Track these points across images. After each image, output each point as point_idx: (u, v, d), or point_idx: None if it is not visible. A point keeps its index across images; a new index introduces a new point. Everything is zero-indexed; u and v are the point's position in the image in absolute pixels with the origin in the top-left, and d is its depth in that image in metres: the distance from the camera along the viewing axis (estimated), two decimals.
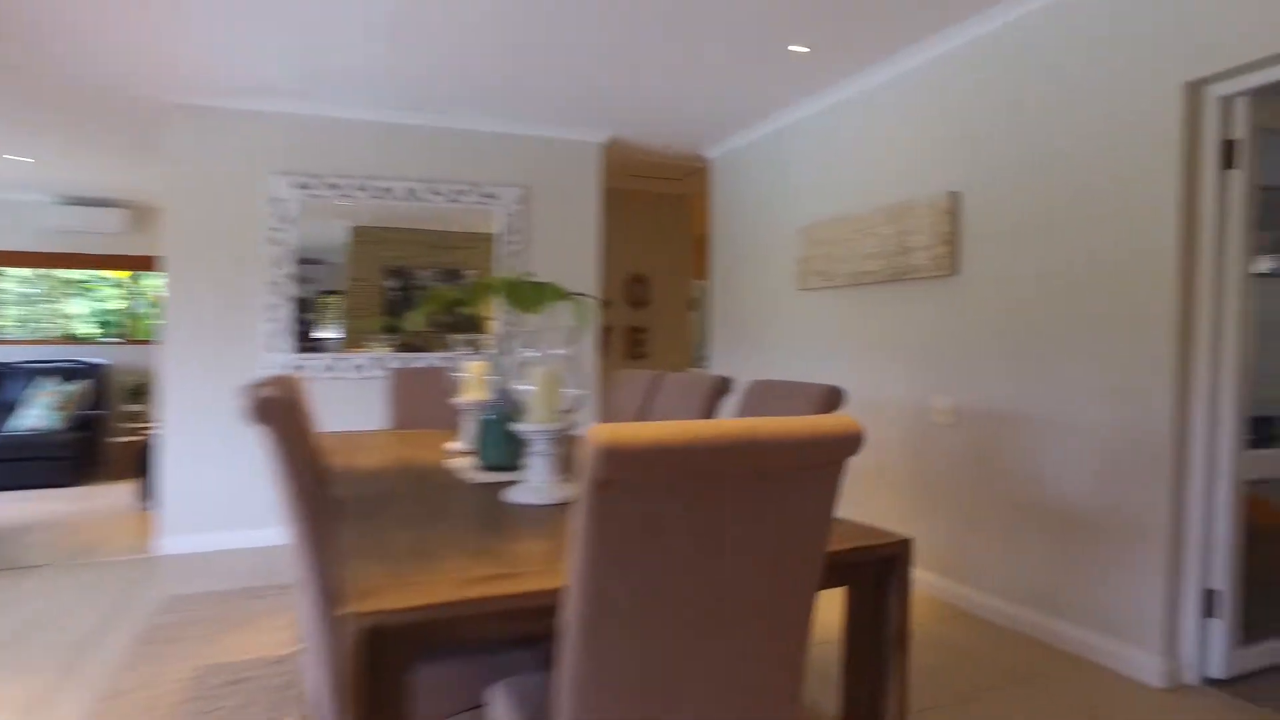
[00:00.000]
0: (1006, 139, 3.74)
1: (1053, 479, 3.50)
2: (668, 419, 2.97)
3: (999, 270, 3.76)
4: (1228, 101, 3.04)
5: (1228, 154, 3.03)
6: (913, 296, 4.28)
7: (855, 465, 4.70)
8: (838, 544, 1.64)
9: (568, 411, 2.10)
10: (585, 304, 2.46)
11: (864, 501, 4.64)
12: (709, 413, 2.77)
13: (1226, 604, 3.07)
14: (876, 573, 1.70)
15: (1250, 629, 3.18)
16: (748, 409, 2.55)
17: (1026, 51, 3.64)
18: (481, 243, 5.68)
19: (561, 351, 2.20)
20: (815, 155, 5.12)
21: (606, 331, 7.85)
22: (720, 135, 6.00)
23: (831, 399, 2.24)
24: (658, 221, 8.08)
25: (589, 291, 6.02)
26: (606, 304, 7.77)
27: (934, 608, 3.98)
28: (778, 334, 5.50)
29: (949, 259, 3.99)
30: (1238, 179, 3.03)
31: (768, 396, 2.41)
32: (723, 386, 2.83)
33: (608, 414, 3.68)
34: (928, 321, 4.19)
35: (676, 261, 8.15)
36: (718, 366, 6.26)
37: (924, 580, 4.19)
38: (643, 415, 3.18)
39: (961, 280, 3.97)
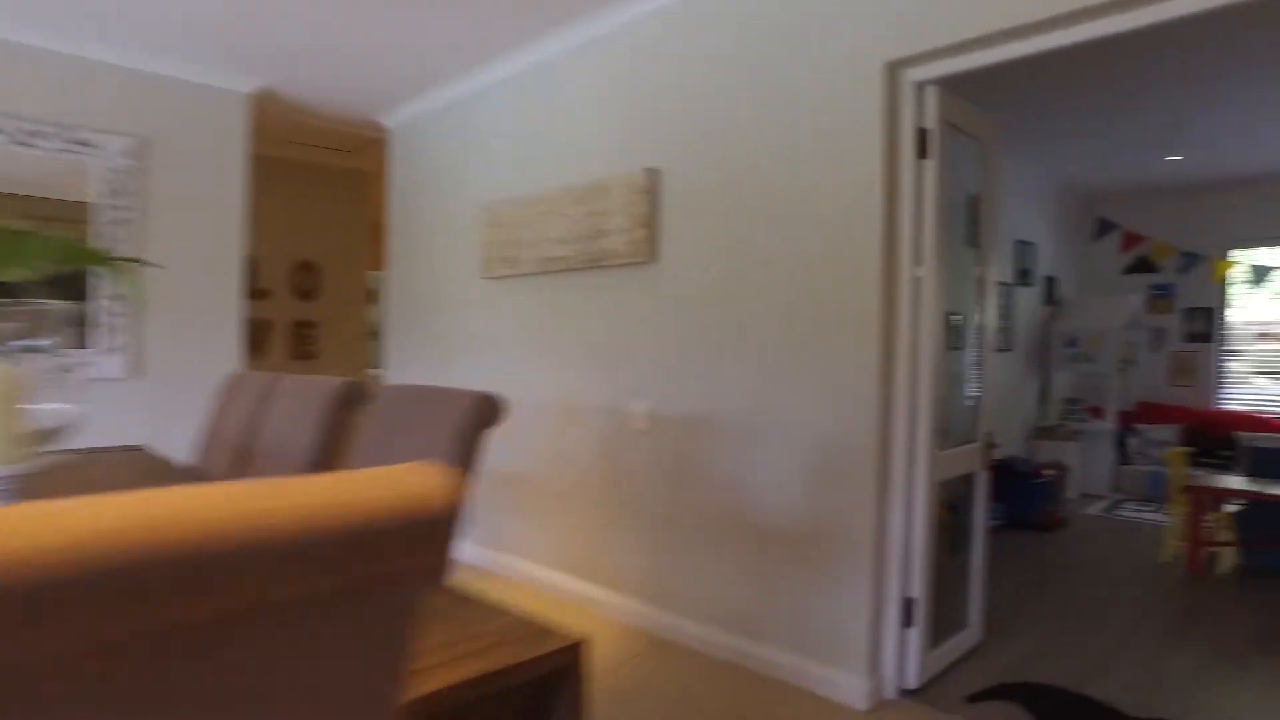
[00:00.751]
0: (709, 113, 3.38)
1: (756, 490, 3.19)
2: (280, 442, 2.16)
3: (701, 258, 3.40)
4: (921, 89, 2.90)
5: (921, 143, 2.89)
6: (608, 286, 3.82)
7: (549, 484, 4.15)
8: (450, 673, 0.99)
9: (40, 440, 1.23)
10: (131, 272, 1.56)
11: (557, 525, 4.11)
12: (333, 432, 2.01)
13: (922, 611, 2.93)
14: (532, 697, 1.08)
15: (936, 631, 3.09)
16: (378, 428, 1.84)
17: (727, 17, 3.31)
18: (72, 211, 4.29)
19: (43, 344, 1.32)
20: (505, 126, 4.49)
21: (264, 327, 6.60)
22: (399, 99, 5.16)
23: (484, 412, 1.60)
24: (331, 201, 6.97)
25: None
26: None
27: (629, 639, 3.53)
28: (462, 331, 4.79)
29: (647, 244, 3.57)
30: (930, 170, 2.89)
31: (405, 410, 1.73)
32: (352, 395, 2.08)
33: (213, 434, 2.74)
34: (625, 315, 3.74)
35: (353, 247, 7.10)
36: (394, 369, 5.41)
37: (621, 608, 3.74)
38: (249, 437, 2.32)
39: (661, 268, 3.57)
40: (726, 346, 3.29)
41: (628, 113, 3.72)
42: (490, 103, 4.59)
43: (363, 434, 1.93)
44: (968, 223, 4.92)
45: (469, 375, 4.72)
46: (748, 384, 3.21)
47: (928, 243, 2.89)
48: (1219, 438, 7.36)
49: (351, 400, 1.98)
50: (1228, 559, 4.84)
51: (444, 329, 4.95)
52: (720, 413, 3.31)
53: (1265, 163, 7.04)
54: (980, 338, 3.57)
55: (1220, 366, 7.83)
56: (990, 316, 3.64)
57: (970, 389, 3.73)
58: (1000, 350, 6.71)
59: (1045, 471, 6.13)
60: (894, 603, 2.90)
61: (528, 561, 4.29)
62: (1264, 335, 7.62)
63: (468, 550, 4.68)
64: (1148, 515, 6.48)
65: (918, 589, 2.91)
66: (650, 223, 3.57)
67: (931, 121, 2.89)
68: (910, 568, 2.91)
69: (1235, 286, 7.75)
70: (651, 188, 3.57)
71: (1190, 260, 7.83)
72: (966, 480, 3.43)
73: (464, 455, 1.60)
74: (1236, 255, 7.67)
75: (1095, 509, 6.71)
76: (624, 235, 3.65)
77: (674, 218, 3.51)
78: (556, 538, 4.11)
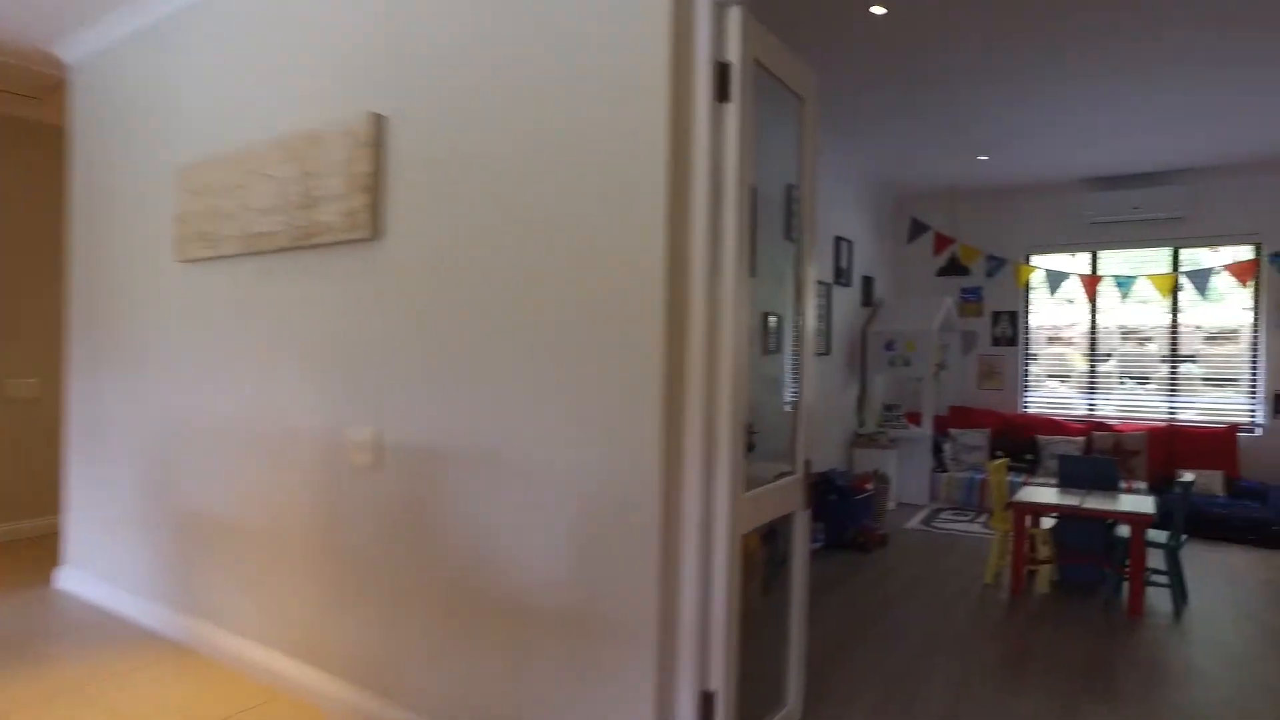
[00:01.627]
0: (452, 43, 2.50)
1: (508, 550, 2.35)
2: None
3: (439, 235, 2.51)
4: (721, 10, 2.17)
5: (721, 82, 2.16)
6: (323, 271, 2.85)
7: (258, 532, 3.11)
8: None
9: None
10: None
11: (270, 588, 3.08)
12: None
13: (724, 705, 2.20)
14: None
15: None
16: None
17: None
18: None
19: None
20: (204, 61, 3.40)
21: None
22: (76, 22, 3.91)
23: None
24: (14, 160, 5.47)
25: None
26: None
27: None
28: (155, 329, 3.64)
29: (369, 215, 2.64)
30: (732, 117, 2.17)
31: None
32: None
33: None
34: (342, 311, 2.79)
35: (44, 221, 5.62)
36: (80, 375, 4.13)
37: (348, 702, 2.78)
38: None
39: (387, 248, 2.65)
40: (471, 354, 2.43)
41: (349, 40, 2.77)
42: (186, 30, 3.48)
43: None
44: (785, 211, 4.37)
45: (163, 387, 3.57)
46: (497, 405, 2.36)
47: (730, 213, 2.15)
48: (1024, 441, 7.34)
49: None
50: (1046, 576, 4.53)
51: (134, 327, 3.77)
52: (462, 444, 2.44)
53: (1061, 169, 7.07)
54: (799, 343, 2.92)
55: (1025, 370, 7.87)
56: (810, 318, 2.99)
57: (788, 403, 3.08)
58: (819, 354, 6.27)
59: (866, 485, 5.71)
60: (688, 699, 2.14)
61: (232, 634, 3.23)
62: (1054, 339, 7.71)
63: (154, 614, 3.54)
64: (965, 526, 6.25)
65: (718, 679, 2.17)
66: (374, 187, 2.64)
67: (735, 55, 2.16)
68: (708, 653, 2.16)
69: (1035, 291, 7.81)
70: (376, 140, 2.64)
71: (997, 264, 7.81)
72: (784, 522, 2.76)
73: None
74: (1036, 260, 7.72)
75: (915, 521, 6.41)
76: (341, 203, 2.70)
77: (405, 181, 2.60)
78: (269, 605, 3.09)
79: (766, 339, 5.13)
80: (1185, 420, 7.16)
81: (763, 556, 4.18)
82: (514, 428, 2.32)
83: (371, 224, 2.64)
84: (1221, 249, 7.05)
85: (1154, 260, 7.32)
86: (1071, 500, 4.35)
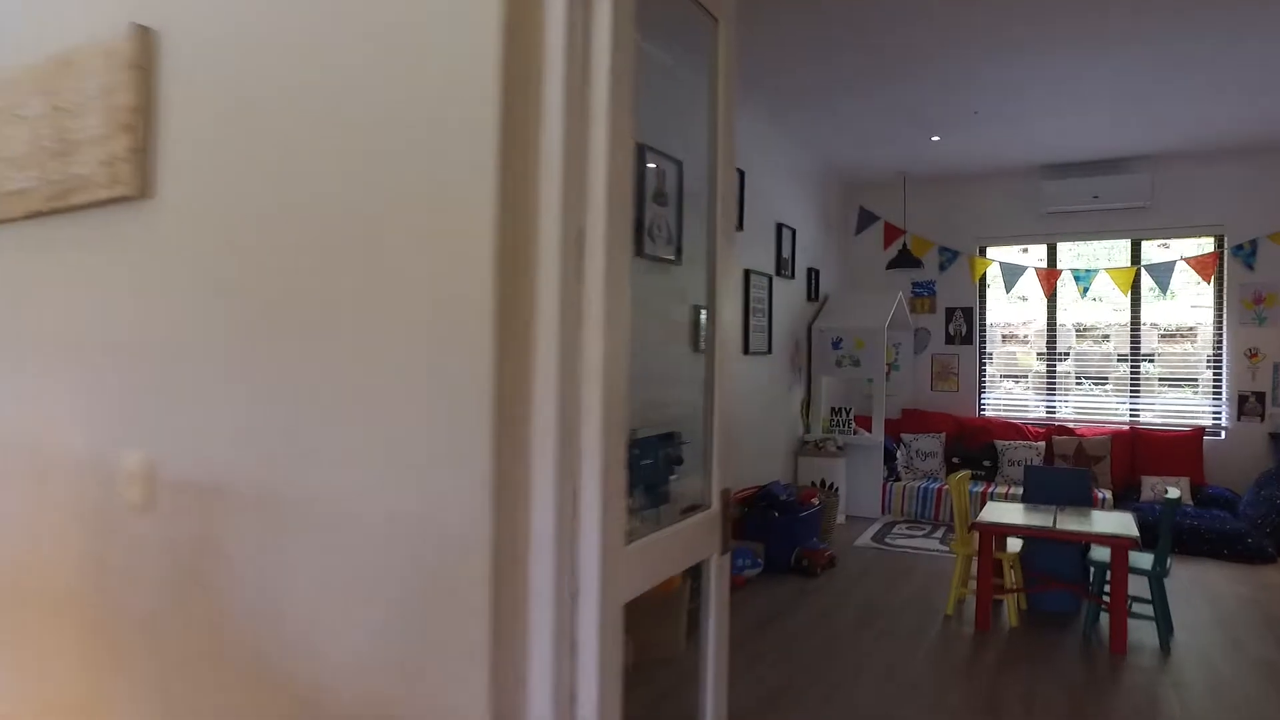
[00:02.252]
0: None
1: (298, 624, 1.67)
2: None
3: (227, 194, 1.82)
4: None
5: None
6: (82, 243, 2.13)
7: (16, 587, 2.37)
8: None
9: None
10: None
11: (30, 661, 2.34)
12: None
13: None
14: None
15: None
16: None
17: None
18: None
19: None
20: None
21: None
22: None
23: None
24: None
25: None
26: None
27: None
28: None
29: (134, 165, 1.93)
30: (604, 15, 1.51)
31: None
32: None
33: None
34: (106, 297, 2.07)
35: None
36: None
37: None
38: None
39: (160, 211, 1.94)
40: (261, 359, 1.74)
41: None
42: None
43: None
44: (710, 186, 3.77)
45: None
46: (288, 428, 1.68)
47: (598, 159, 1.49)
48: (981, 447, 6.86)
49: None
50: (1014, 606, 3.99)
51: None
52: (249, 477, 1.75)
53: (1017, 155, 6.60)
54: (712, 340, 2.27)
55: (981, 370, 7.40)
56: (729, 309, 2.34)
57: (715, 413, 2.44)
58: (758, 353, 5.69)
59: (812, 499, 5.13)
60: None
61: None
62: (1009, 338, 7.26)
63: None
64: (921, 543, 5.72)
65: None
66: (140, 126, 1.93)
67: None
68: None
69: (990, 287, 7.34)
70: (143, 62, 1.93)
71: (950, 257, 7.33)
72: (693, 573, 2.11)
73: None
74: (992, 253, 7.26)
75: (866, 537, 5.86)
76: (99, 149, 1.98)
77: (183, 123, 1.90)
78: (22, 680, 2.34)
79: (698, 336, 4.50)
80: (1148, 423, 6.75)
81: (688, 594, 3.55)
82: (309, 458, 1.64)
83: (137, 176, 1.93)
84: (1183, 241, 6.65)
85: (1114, 251, 6.90)
86: (1041, 520, 3.81)
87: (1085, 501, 4.26)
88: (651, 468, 2.83)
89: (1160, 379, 6.79)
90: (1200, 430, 6.40)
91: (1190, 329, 6.71)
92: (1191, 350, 6.69)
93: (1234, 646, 3.76)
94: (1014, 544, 4.14)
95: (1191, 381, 6.70)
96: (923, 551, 5.48)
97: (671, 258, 4.46)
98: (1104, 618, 3.92)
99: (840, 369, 6.54)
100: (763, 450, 5.80)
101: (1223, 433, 6.50)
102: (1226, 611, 4.28)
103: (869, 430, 6.62)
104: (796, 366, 6.48)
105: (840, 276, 7.61)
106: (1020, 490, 6.25)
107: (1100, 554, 3.93)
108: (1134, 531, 3.60)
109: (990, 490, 6.19)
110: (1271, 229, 6.26)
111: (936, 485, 6.48)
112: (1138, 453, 6.41)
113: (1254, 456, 6.34)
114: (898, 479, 6.70)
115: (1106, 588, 3.90)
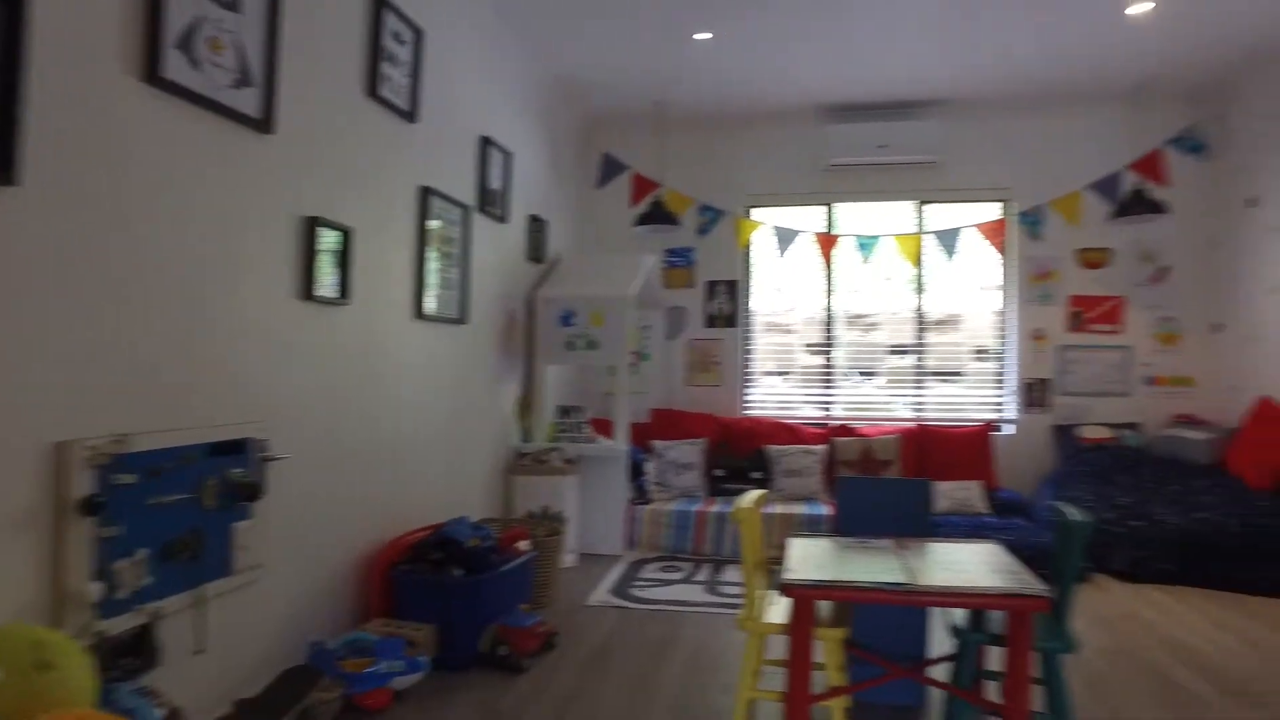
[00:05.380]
0: None
1: None
2: None
3: None
4: None
5: None
6: None
7: None
8: None
9: None
10: None
11: None
12: None
13: None
14: None
15: None
16: None
17: None
18: None
19: None
20: None
21: None
22: None
23: None
24: None
25: None
26: None
27: None
28: None
29: None
30: None
31: None
32: None
33: None
34: None
35: None
36: None
37: None
38: None
39: None
40: None
41: None
42: None
43: None
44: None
45: None
46: None
47: None
48: (749, 454, 5.41)
49: None
50: (840, 709, 2.36)
51: None
52: None
53: (796, 90, 5.28)
54: None
55: (746, 360, 6.00)
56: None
57: None
58: (443, 320, 3.74)
59: (517, 546, 3.26)
60: None
61: None
62: (772, 326, 5.96)
63: None
64: (681, 591, 4.05)
65: None
66: None
67: None
68: None
69: (760, 255, 5.99)
70: None
71: (713, 217, 5.87)
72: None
73: None
74: (761, 214, 5.90)
75: (604, 589, 4.08)
76: None
77: None
78: None
79: (312, 268, 2.61)
80: (933, 420, 5.68)
81: None
82: None
83: None
84: (970, 206, 5.68)
85: (898, 216, 5.80)
86: (883, 567, 2.21)
87: (925, 527, 2.77)
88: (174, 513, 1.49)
89: (938, 371, 5.77)
90: (989, 425, 5.40)
91: (971, 315, 5.74)
92: (972, 336, 5.73)
93: None
94: (824, 604, 2.52)
95: (979, 371, 5.73)
96: (685, 607, 3.81)
97: (251, 113, 2.39)
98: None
99: (572, 353, 4.76)
100: (453, 468, 3.85)
101: (1010, 427, 5.57)
102: (1092, 662, 2.98)
103: (610, 437, 4.90)
104: (511, 349, 4.61)
105: (577, 236, 5.88)
106: (803, 510, 4.84)
107: (956, 614, 2.43)
108: (1032, 581, 2.10)
109: (764, 511, 4.70)
110: (1055, 194, 5.43)
111: (696, 507, 4.89)
112: (929, 454, 5.27)
113: (1039, 452, 5.45)
114: (648, 501, 5.04)
115: (988, 675, 2.39)
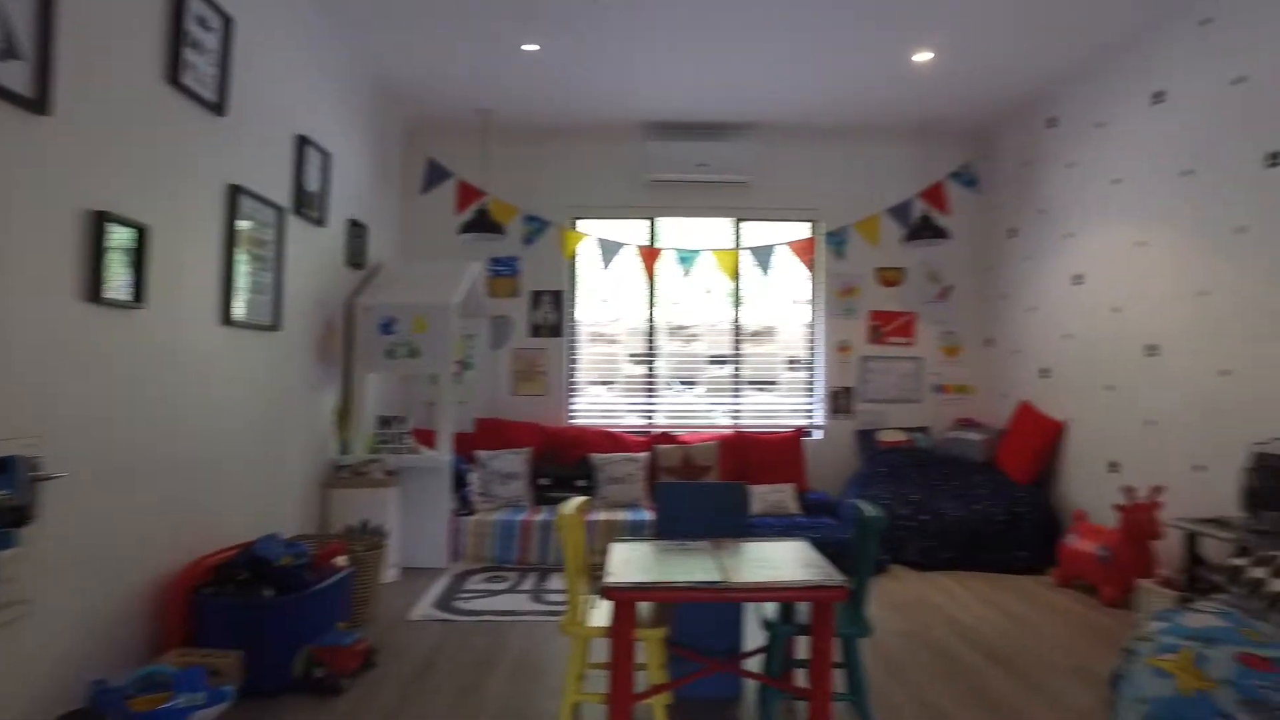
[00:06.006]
0: None
1: None
2: None
3: None
4: None
5: None
6: None
7: None
8: None
9: None
10: None
11: None
12: None
13: None
14: None
15: None
16: None
17: None
18: None
19: None
20: None
21: None
22: None
23: None
24: None
25: None
26: None
27: None
28: None
29: None
30: None
31: None
32: None
33: None
34: None
35: None
36: None
37: None
38: None
39: None
40: None
41: None
42: None
43: None
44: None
45: None
46: None
47: None
48: (574, 462, 5.47)
49: None
50: (660, 707, 2.45)
51: None
52: None
53: (620, 107, 5.43)
54: None
55: (571, 370, 6.06)
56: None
57: None
58: (253, 326, 3.53)
59: (333, 562, 3.13)
60: None
61: None
62: (597, 337, 6.08)
63: None
64: (507, 601, 4.03)
65: None
66: None
67: None
68: None
69: (587, 268, 6.08)
70: None
71: (539, 227, 5.89)
72: None
73: None
74: (586, 226, 6.00)
75: (427, 602, 3.99)
76: None
77: None
78: None
79: (100, 267, 2.36)
80: (750, 427, 5.99)
81: None
82: None
83: None
84: (782, 225, 6.06)
85: (717, 232, 6.08)
86: (701, 567, 2.33)
87: (742, 528, 2.93)
88: None
89: (753, 380, 6.10)
90: (800, 431, 5.77)
91: (784, 327, 6.12)
92: (785, 348, 6.11)
93: (926, 707, 2.67)
94: (645, 605, 2.62)
95: (791, 380, 6.11)
96: (510, 616, 3.79)
97: (20, 89, 2.16)
98: (793, 707, 2.58)
99: (394, 361, 4.62)
100: (265, 482, 3.63)
101: (819, 432, 5.98)
102: (893, 655, 3.28)
103: (433, 447, 4.79)
104: (328, 357, 4.40)
105: (400, 242, 5.72)
106: (626, 517, 4.95)
107: (767, 607, 2.59)
108: (833, 573, 2.29)
109: (588, 519, 4.78)
110: (857, 217, 5.91)
111: (521, 516, 4.88)
112: (747, 460, 5.55)
113: (845, 455, 5.90)
114: (472, 512, 4.97)
115: (795, 663, 2.56)
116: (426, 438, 4.90)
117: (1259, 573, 2.41)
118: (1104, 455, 4.53)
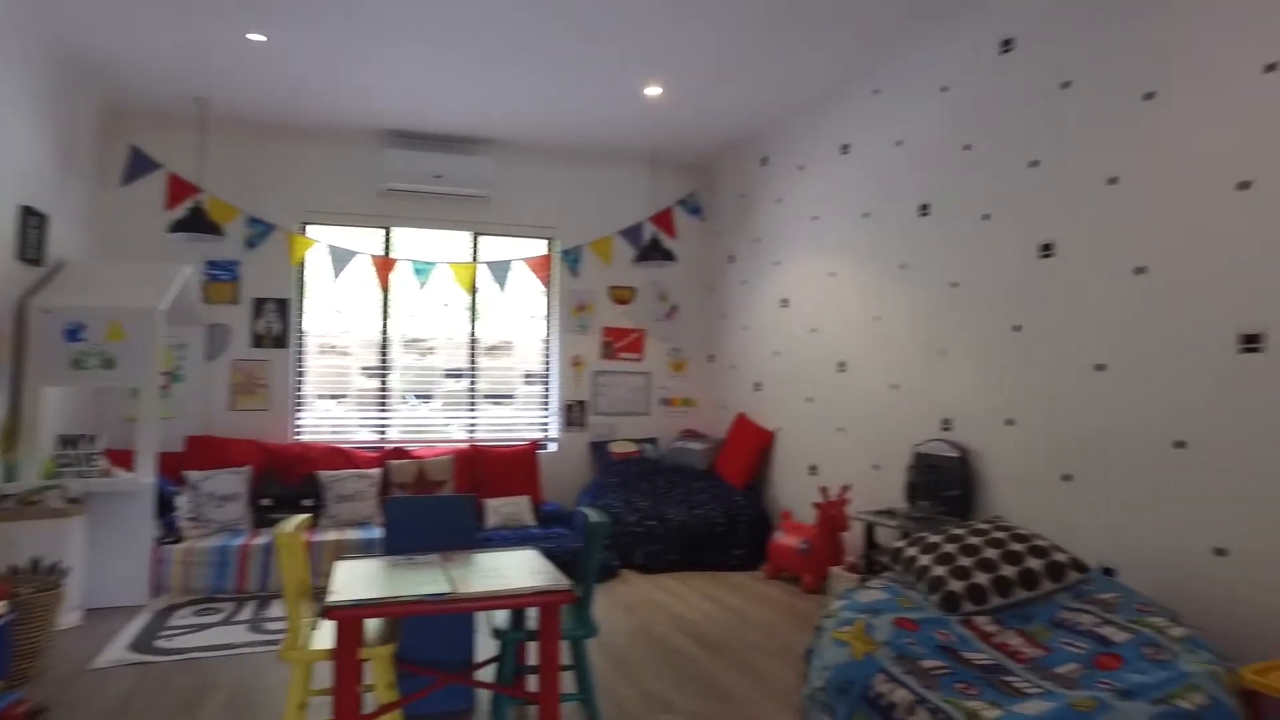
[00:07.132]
0: None
1: None
2: None
3: None
4: None
5: None
6: None
7: None
8: None
9: None
10: None
11: None
12: None
13: None
14: None
15: None
16: None
17: None
18: None
19: None
20: None
21: None
22: None
23: None
24: None
25: None
26: None
27: None
28: None
29: None
30: None
31: None
32: None
33: None
34: None
35: None
36: None
37: None
38: None
39: None
40: None
41: None
42: None
43: None
44: None
45: None
46: None
47: None
48: (299, 479, 5.15)
49: None
50: None
51: None
52: None
53: (356, 111, 5.24)
54: None
55: (298, 383, 5.70)
56: None
57: None
58: None
59: None
60: None
61: None
62: (327, 348, 5.82)
63: None
64: (223, 634, 3.69)
65: None
66: None
67: None
68: None
69: (314, 276, 5.76)
70: None
71: (263, 231, 5.49)
72: None
73: None
74: (317, 232, 5.69)
75: (121, 644, 3.54)
76: None
77: None
78: None
79: None
80: (484, 440, 6.00)
81: None
82: None
83: None
84: (520, 241, 6.16)
85: (455, 245, 6.04)
86: (430, 580, 2.32)
87: (470, 540, 2.95)
88: None
89: (488, 395, 6.14)
90: (535, 444, 5.89)
91: (521, 342, 6.22)
92: (520, 362, 6.21)
93: (663, 710, 2.87)
94: (372, 623, 2.56)
95: (527, 394, 6.21)
96: (224, 651, 3.49)
97: None
98: (523, 712, 2.63)
99: (82, 372, 4.07)
100: None
101: (554, 445, 6.14)
102: (617, 653, 3.47)
103: (131, 469, 4.28)
104: None
105: (93, 237, 5.05)
106: (357, 535, 4.74)
107: (504, 615, 2.65)
108: (560, 578, 2.39)
109: (315, 539, 4.52)
110: (592, 237, 6.18)
111: (239, 541, 4.51)
112: (482, 473, 5.55)
113: (579, 467, 6.11)
114: (179, 539, 4.50)
115: (524, 669, 2.62)
116: (124, 459, 4.36)
117: (912, 551, 2.89)
118: (805, 460, 5.12)
